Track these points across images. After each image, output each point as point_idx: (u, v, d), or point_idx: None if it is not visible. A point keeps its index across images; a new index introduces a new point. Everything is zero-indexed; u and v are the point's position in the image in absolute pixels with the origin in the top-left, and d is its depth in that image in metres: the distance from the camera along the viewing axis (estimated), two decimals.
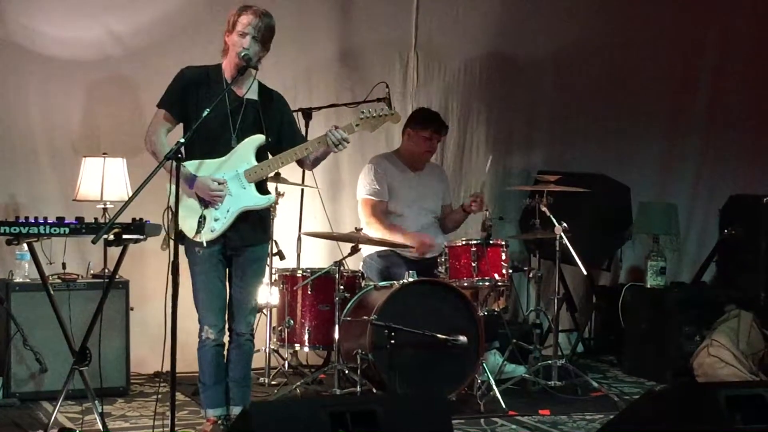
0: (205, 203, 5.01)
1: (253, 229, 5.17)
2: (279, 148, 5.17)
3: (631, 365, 7.32)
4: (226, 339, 5.23)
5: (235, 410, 5.19)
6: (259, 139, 5.10)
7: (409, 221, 6.72)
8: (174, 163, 4.67)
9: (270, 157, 5.17)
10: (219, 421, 5.20)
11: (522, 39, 7.89)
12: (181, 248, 5.06)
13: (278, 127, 5.21)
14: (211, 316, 5.12)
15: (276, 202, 6.47)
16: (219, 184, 5.00)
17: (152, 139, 5.12)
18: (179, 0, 6.83)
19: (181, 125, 5.16)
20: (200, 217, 4.98)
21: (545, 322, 7.08)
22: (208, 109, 4.83)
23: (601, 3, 8.04)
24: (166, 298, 4.64)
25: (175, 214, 4.73)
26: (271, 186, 6.14)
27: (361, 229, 6.40)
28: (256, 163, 5.09)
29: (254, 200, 5.12)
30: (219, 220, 5.03)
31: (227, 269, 5.20)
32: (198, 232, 4.98)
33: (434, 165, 7.23)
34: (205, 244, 5.01)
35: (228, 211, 5.04)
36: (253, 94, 5.15)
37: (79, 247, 6.50)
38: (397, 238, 6.52)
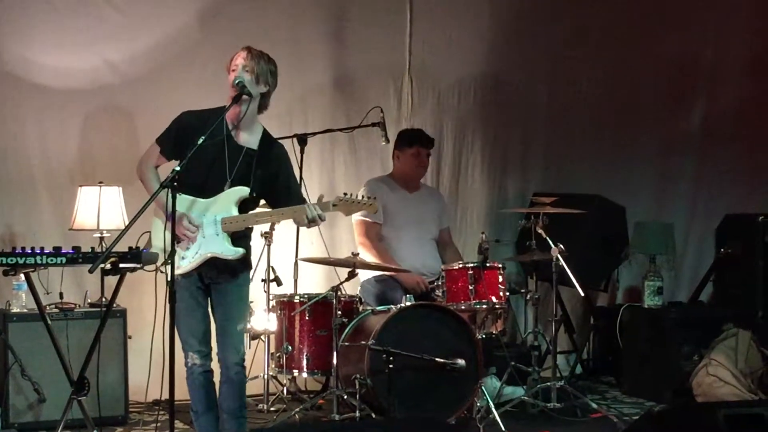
0: (178, 239, 5.00)
1: (228, 266, 5.11)
2: (271, 199, 5.16)
3: (630, 386, 7.32)
4: (214, 365, 5.20)
5: None
6: (241, 191, 5.05)
7: (407, 243, 6.74)
8: (169, 192, 4.67)
9: (250, 209, 5.16)
10: None
11: (515, 61, 7.92)
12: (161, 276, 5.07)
13: (271, 181, 5.15)
14: (194, 342, 5.10)
15: (272, 228, 6.50)
16: (194, 226, 5.01)
17: (142, 168, 5.19)
18: (173, 28, 6.86)
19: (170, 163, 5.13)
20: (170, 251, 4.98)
21: (543, 343, 7.07)
22: (203, 137, 4.82)
23: (594, 25, 8.07)
24: (164, 326, 4.65)
25: (172, 241, 4.72)
26: None
27: (358, 254, 6.41)
28: (234, 214, 5.08)
29: (222, 249, 5.04)
30: (186, 259, 5.02)
31: (209, 297, 5.18)
32: (164, 263, 4.96)
33: (431, 188, 7.27)
34: (162, 271, 4.97)
35: (197, 253, 5.03)
36: (254, 144, 5.13)
37: (76, 276, 6.50)
38: (388, 267, 6.54)
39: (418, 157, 6.84)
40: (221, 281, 5.12)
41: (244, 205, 5.10)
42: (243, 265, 5.19)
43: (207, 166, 5.02)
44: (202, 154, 4.90)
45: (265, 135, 5.18)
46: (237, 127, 5.06)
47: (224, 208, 5.05)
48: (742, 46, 8.45)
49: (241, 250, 5.06)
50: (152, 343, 4.79)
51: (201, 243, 5.04)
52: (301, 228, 6.86)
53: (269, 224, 6.42)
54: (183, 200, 4.99)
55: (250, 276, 5.32)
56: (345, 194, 5.11)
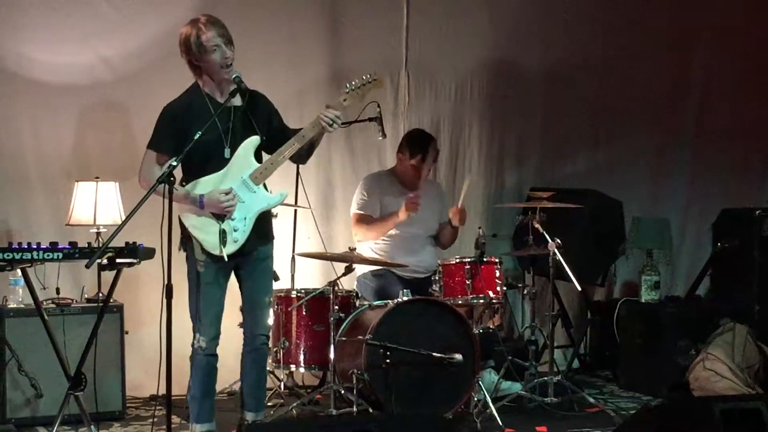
0: (221, 217, 5.01)
1: (258, 234, 5.18)
2: (272, 145, 5.17)
3: (627, 380, 7.32)
4: (218, 350, 5.25)
5: (249, 416, 5.27)
6: (254, 141, 5.11)
7: (404, 241, 6.73)
8: (167, 186, 4.67)
9: (264, 156, 5.19)
10: None
11: (512, 56, 7.91)
12: (181, 256, 5.09)
13: (268, 126, 5.21)
14: (206, 323, 5.13)
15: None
16: (226, 194, 5.01)
17: (146, 177, 5.10)
18: (168, 24, 6.83)
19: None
20: (220, 232, 4.99)
21: (540, 338, 7.06)
22: (200, 132, 4.83)
23: (590, 20, 8.07)
24: (160, 322, 4.65)
25: (169, 233, 4.71)
26: None
27: (355, 248, 6.41)
28: (257, 165, 5.10)
29: (267, 200, 5.15)
30: (239, 230, 5.05)
31: (231, 275, 5.24)
32: (223, 246, 4.99)
33: (431, 182, 7.22)
34: (226, 258, 5.02)
35: (245, 219, 5.07)
36: (236, 101, 5.14)
37: (72, 271, 6.49)
38: (388, 225, 6.57)
39: (417, 168, 6.77)
40: (250, 254, 5.13)
41: (257, 157, 5.13)
42: (269, 235, 5.29)
43: (204, 145, 5.01)
44: (203, 133, 4.91)
45: (240, 87, 5.13)
46: (218, 93, 5.08)
47: (244, 165, 5.09)
48: (737, 42, 8.45)
49: (284, 192, 5.20)
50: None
51: (243, 208, 5.07)
52: (297, 223, 6.88)
53: None
54: (196, 185, 5.03)
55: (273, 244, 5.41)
56: (347, 85, 5.22)
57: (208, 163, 5.09)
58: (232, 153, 5.10)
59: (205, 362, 5.16)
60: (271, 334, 6.45)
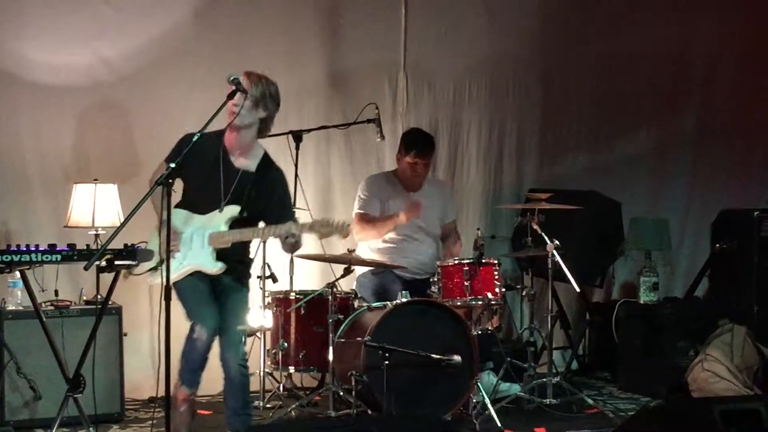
0: (167, 249, 5.07)
1: (231, 269, 5.26)
2: (268, 219, 5.26)
3: (625, 381, 7.32)
4: (210, 354, 5.27)
5: None
6: (232, 210, 5.21)
7: (404, 243, 6.73)
8: (165, 189, 4.68)
9: (261, 225, 5.28)
10: (191, 397, 5.26)
11: (511, 56, 7.91)
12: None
13: (265, 203, 5.28)
14: (204, 313, 5.18)
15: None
16: (175, 234, 5.13)
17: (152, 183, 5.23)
18: (168, 25, 6.85)
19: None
20: (159, 260, 5.09)
21: (539, 339, 7.08)
22: (199, 133, 4.85)
23: (589, 20, 8.07)
24: (159, 324, 4.64)
25: (167, 240, 4.72)
26: None
27: (354, 250, 6.41)
28: (223, 230, 5.19)
29: (204, 262, 5.22)
30: (171, 270, 5.09)
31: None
32: (153, 270, 5.13)
33: (436, 182, 7.19)
34: (149, 282, 5.21)
35: (181, 264, 5.21)
36: (252, 167, 5.24)
37: (71, 273, 6.48)
38: (388, 226, 6.58)
39: (414, 165, 6.76)
40: (222, 279, 5.24)
41: (238, 225, 5.23)
42: (245, 270, 5.38)
43: (205, 186, 5.20)
44: (202, 174, 5.13)
45: (265, 158, 5.31)
46: (236, 152, 5.16)
47: (216, 225, 5.21)
48: (737, 42, 8.45)
49: (220, 264, 5.22)
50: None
51: (187, 254, 5.21)
52: None
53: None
54: (179, 214, 5.18)
55: (249, 281, 5.48)
56: (320, 223, 5.20)
57: (198, 203, 5.24)
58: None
59: (201, 350, 5.16)
60: (269, 335, 6.48)
